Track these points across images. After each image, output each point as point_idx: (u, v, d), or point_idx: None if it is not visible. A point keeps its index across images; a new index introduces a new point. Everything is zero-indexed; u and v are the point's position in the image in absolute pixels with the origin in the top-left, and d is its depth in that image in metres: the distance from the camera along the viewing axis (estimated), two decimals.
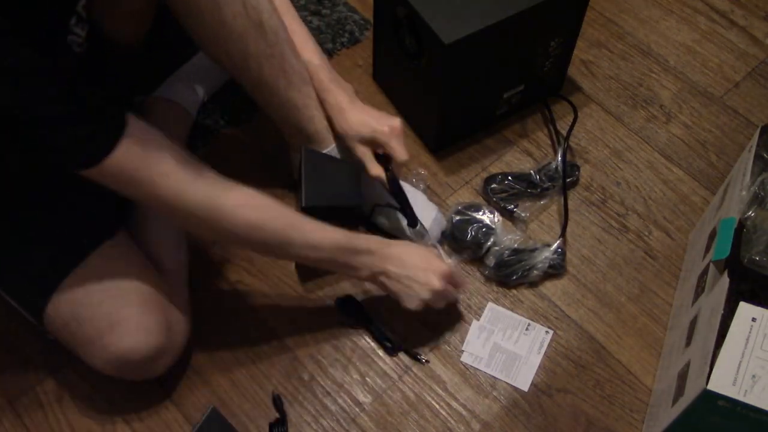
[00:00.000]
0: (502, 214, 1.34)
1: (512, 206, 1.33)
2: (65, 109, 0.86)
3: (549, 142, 1.43)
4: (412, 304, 1.13)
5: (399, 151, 1.19)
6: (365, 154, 1.20)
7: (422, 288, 1.12)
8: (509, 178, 1.35)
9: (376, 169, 1.21)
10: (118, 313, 1.05)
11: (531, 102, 1.45)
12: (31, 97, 0.84)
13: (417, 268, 1.12)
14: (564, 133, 1.44)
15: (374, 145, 1.20)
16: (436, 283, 1.12)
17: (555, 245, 1.27)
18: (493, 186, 1.35)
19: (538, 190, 1.35)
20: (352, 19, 1.58)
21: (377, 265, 1.11)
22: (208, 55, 1.15)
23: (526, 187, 1.35)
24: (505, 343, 1.22)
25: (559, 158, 1.36)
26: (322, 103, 1.20)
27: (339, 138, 1.22)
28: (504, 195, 1.34)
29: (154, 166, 0.94)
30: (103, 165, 0.89)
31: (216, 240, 1.27)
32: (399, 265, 1.12)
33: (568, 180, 1.36)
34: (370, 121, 1.19)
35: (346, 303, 1.23)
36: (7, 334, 1.20)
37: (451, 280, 1.14)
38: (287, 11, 1.20)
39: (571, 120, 1.46)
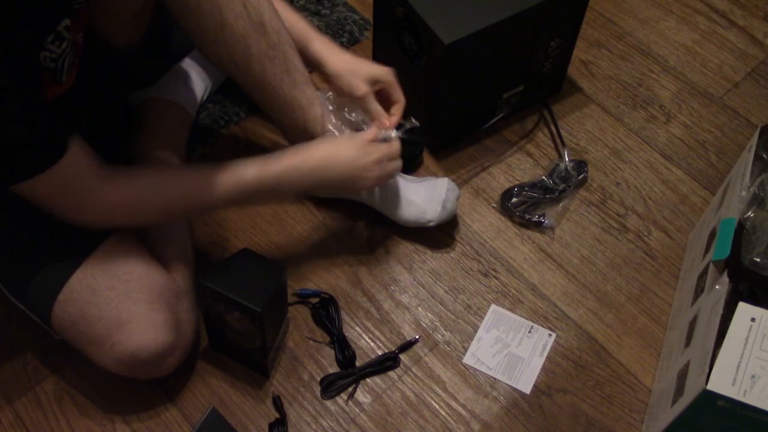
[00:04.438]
0: (528, 228, 1.34)
1: (539, 217, 1.33)
2: (12, 132, 0.87)
3: (549, 142, 1.43)
4: (354, 193, 1.17)
5: (401, 93, 1.21)
6: (370, 93, 1.19)
7: (360, 181, 1.14)
8: (525, 188, 1.35)
9: (377, 106, 1.20)
10: (127, 311, 1.04)
11: (531, 102, 1.45)
12: None
13: (346, 164, 1.12)
14: (564, 133, 1.44)
15: (376, 85, 1.19)
16: (372, 174, 1.14)
17: (566, 158, 1.35)
18: (513, 201, 1.34)
19: (556, 193, 1.35)
20: (351, 19, 1.58)
21: (305, 178, 1.12)
22: (210, 59, 1.14)
23: (544, 194, 1.34)
24: (508, 346, 1.22)
25: (566, 158, 1.36)
26: (307, 48, 1.18)
27: (332, 78, 1.19)
28: (524, 207, 1.34)
29: (84, 183, 0.98)
30: (32, 182, 0.92)
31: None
32: (326, 168, 1.12)
33: (579, 177, 1.36)
34: (372, 64, 1.19)
35: (343, 362, 1.20)
36: (7, 334, 1.20)
37: (384, 160, 1.15)
38: None
39: (572, 119, 1.46)
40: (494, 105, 1.40)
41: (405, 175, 1.29)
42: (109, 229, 1.09)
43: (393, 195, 1.26)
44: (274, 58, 1.13)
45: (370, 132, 1.17)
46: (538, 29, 1.31)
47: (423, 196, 1.26)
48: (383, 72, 1.20)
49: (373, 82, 1.19)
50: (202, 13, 1.07)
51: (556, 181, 1.35)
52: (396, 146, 1.18)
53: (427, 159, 1.40)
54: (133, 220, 1.08)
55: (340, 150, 1.14)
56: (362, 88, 1.18)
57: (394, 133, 1.19)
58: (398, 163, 1.19)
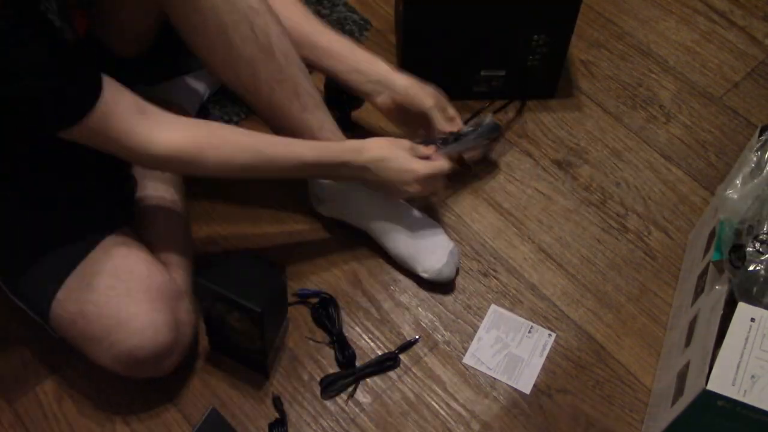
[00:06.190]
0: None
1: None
2: (49, 70, 0.90)
3: (549, 142, 1.43)
4: (395, 198, 1.23)
5: (454, 110, 1.29)
6: (436, 106, 1.26)
7: (399, 192, 1.20)
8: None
9: (441, 119, 1.26)
10: (127, 310, 1.04)
11: (515, 93, 1.45)
12: (20, 58, 0.88)
13: (394, 173, 1.17)
14: (564, 133, 1.44)
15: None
16: (414, 189, 1.19)
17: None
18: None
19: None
20: (351, 19, 1.58)
21: (354, 172, 1.15)
22: (219, 81, 1.15)
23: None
24: (507, 346, 1.22)
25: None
26: (374, 66, 1.24)
27: (402, 90, 1.24)
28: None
29: (127, 125, 0.99)
30: (81, 124, 0.94)
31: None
32: (376, 171, 1.15)
33: (494, 137, 1.35)
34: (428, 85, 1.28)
35: (343, 362, 1.20)
36: (7, 334, 1.20)
37: (427, 179, 1.19)
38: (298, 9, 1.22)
39: (571, 119, 1.46)
40: (471, 79, 1.40)
41: (416, 213, 1.27)
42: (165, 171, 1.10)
43: (397, 233, 1.25)
44: (282, 81, 1.13)
45: (427, 149, 1.22)
46: (514, 14, 1.33)
47: (424, 251, 1.25)
48: (440, 92, 1.27)
49: (434, 99, 1.25)
50: (208, 37, 1.07)
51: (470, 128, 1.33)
52: (443, 166, 1.21)
53: None
54: (185, 167, 1.09)
55: (392, 157, 1.16)
56: (431, 100, 1.25)
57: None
58: (442, 183, 1.23)
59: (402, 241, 1.24)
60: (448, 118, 1.27)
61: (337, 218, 1.29)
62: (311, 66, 1.21)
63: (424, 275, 1.25)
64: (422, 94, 1.25)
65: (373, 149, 1.16)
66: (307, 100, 1.16)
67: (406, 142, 1.20)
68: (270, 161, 1.09)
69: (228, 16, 1.06)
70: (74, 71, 0.94)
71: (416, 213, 1.27)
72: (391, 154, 1.17)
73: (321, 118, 1.18)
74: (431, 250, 1.24)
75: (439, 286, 1.27)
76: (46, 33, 0.93)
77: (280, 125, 1.17)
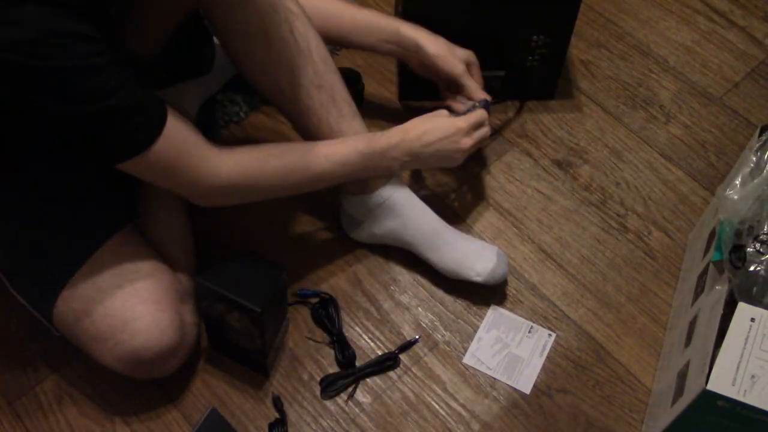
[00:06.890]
0: None
1: None
2: (123, 100, 0.90)
3: (549, 142, 1.43)
4: (451, 166, 1.22)
5: (480, 74, 1.31)
6: (466, 71, 1.27)
7: (455, 154, 1.19)
8: None
9: (473, 82, 1.28)
10: (132, 310, 1.04)
11: (515, 93, 1.45)
12: (101, 90, 0.88)
13: (441, 140, 1.17)
14: (564, 133, 1.44)
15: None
16: (465, 145, 1.18)
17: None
18: None
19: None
20: None
21: (404, 155, 1.16)
22: (256, 87, 1.13)
23: None
24: (507, 346, 1.22)
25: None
26: (399, 33, 1.25)
27: (431, 58, 1.26)
28: None
29: (192, 150, 1.00)
30: (148, 153, 0.94)
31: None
32: (425, 144, 1.16)
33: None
34: (460, 48, 1.29)
35: (343, 362, 1.20)
36: (6, 334, 1.20)
37: (473, 129, 1.20)
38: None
39: (571, 119, 1.46)
40: None
41: (457, 232, 1.25)
42: (222, 206, 1.09)
43: (443, 243, 1.23)
44: (321, 87, 1.12)
45: (459, 105, 1.24)
46: (514, 14, 1.33)
47: (473, 256, 1.22)
48: (471, 55, 1.29)
49: (465, 62, 1.27)
50: (249, 39, 1.07)
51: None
52: (482, 114, 1.22)
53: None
54: (247, 192, 1.09)
55: (434, 124, 1.18)
56: (460, 66, 1.26)
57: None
58: (487, 129, 1.23)
59: (448, 251, 1.22)
60: (479, 83, 1.29)
61: (374, 242, 1.27)
62: (339, 44, 1.20)
63: (478, 279, 1.22)
64: (451, 61, 1.26)
65: (415, 125, 1.17)
66: (344, 107, 1.15)
67: (441, 111, 1.21)
68: (327, 158, 1.11)
69: (269, 19, 1.05)
70: (146, 92, 0.94)
71: (449, 226, 1.25)
72: (433, 121, 1.18)
73: (357, 127, 1.17)
74: (479, 254, 1.22)
75: (440, 285, 1.27)
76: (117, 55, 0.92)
77: (314, 133, 1.15)
